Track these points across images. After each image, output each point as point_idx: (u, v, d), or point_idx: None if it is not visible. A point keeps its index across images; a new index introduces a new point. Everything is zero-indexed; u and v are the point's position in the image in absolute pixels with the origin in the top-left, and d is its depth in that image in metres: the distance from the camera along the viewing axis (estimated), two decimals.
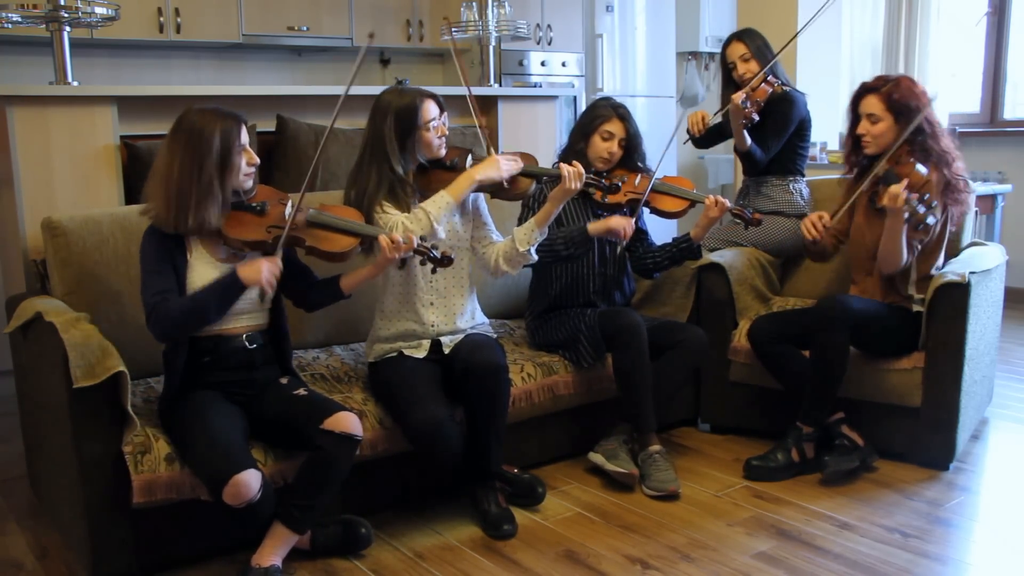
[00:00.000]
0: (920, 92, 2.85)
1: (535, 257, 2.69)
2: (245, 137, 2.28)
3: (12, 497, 2.89)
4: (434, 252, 2.37)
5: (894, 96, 2.81)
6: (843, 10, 5.99)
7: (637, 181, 2.96)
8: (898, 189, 2.64)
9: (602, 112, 2.98)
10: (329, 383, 2.69)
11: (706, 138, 3.60)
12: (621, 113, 2.98)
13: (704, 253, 3.32)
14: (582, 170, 2.61)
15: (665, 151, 2.88)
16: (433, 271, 2.44)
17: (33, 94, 2.91)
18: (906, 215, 2.65)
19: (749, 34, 3.46)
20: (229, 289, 2.21)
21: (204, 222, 2.22)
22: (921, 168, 2.77)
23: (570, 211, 3.01)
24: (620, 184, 2.83)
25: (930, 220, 2.64)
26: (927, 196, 2.65)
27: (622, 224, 2.80)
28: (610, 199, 2.89)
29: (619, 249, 2.93)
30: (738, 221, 2.92)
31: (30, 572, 2.40)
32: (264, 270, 2.19)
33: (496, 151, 2.74)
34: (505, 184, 2.63)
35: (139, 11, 4.56)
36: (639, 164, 3.02)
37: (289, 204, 2.38)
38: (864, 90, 2.90)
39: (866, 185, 2.84)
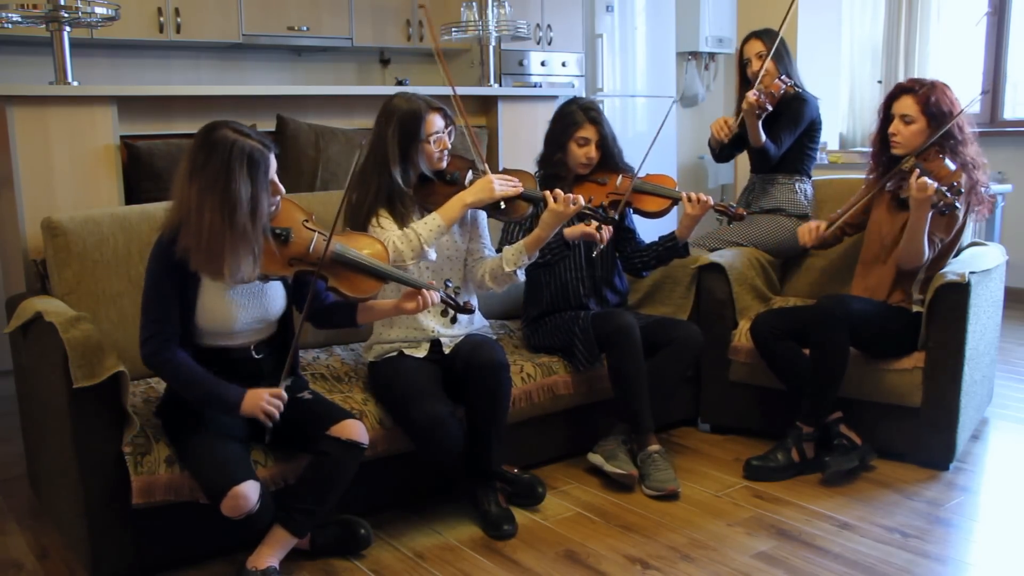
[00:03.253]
0: (955, 99, 2.86)
1: (522, 278, 2.69)
2: (274, 167, 2.16)
3: (12, 497, 2.88)
4: (456, 299, 2.35)
5: (931, 99, 2.81)
6: (843, 10, 6.00)
7: (619, 181, 2.95)
8: (925, 180, 2.63)
9: (574, 119, 2.95)
10: (329, 383, 2.69)
11: (727, 152, 3.60)
12: (592, 116, 2.95)
13: (704, 253, 3.32)
14: (580, 201, 2.59)
15: (648, 151, 2.85)
16: (453, 320, 2.40)
17: (33, 94, 2.91)
18: (934, 200, 2.63)
19: (768, 33, 3.47)
20: (221, 403, 2.15)
21: (237, 273, 2.11)
22: (950, 163, 2.77)
23: None
24: (617, 216, 2.81)
25: (958, 204, 2.64)
26: (955, 183, 2.66)
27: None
28: (594, 202, 2.86)
29: (595, 252, 2.88)
30: (721, 217, 2.92)
31: (30, 572, 2.40)
32: (263, 404, 2.13)
33: (483, 158, 2.72)
34: (502, 205, 2.62)
35: (139, 11, 4.55)
36: (619, 163, 3.00)
37: (316, 235, 2.25)
38: (900, 91, 2.90)
39: (890, 182, 2.84)
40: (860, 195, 3.03)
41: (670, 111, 3.03)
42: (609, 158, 2.99)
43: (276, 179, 2.19)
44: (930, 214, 2.71)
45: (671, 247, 3.00)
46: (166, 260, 2.14)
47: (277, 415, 2.16)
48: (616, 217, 2.81)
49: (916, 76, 5.81)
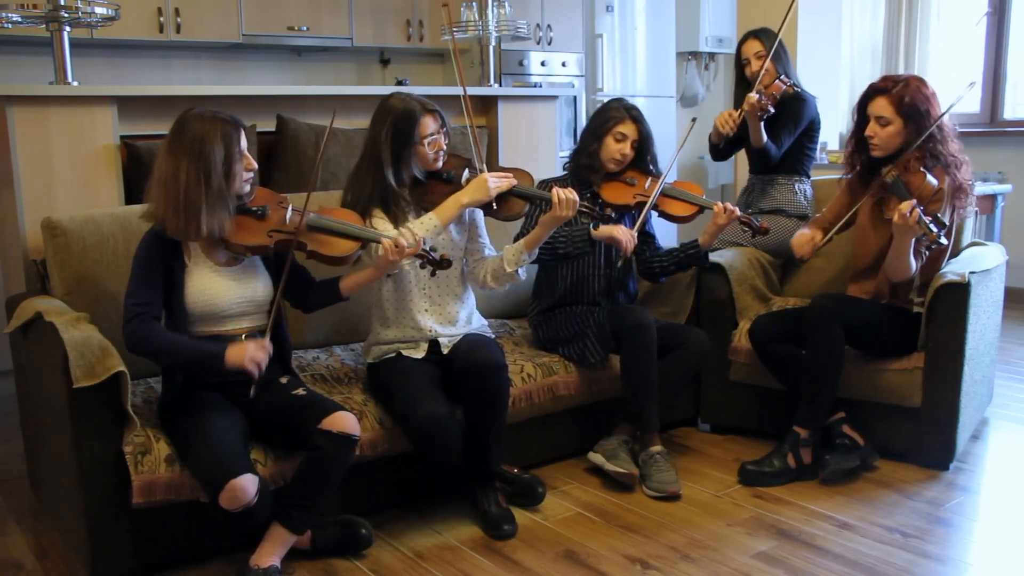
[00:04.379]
0: (930, 94, 2.80)
1: (523, 277, 2.70)
2: (244, 142, 2.28)
3: (12, 497, 2.89)
4: (433, 255, 2.38)
5: (905, 99, 2.76)
6: (843, 10, 6.00)
7: (647, 184, 2.96)
8: (908, 206, 2.58)
9: (615, 114, 2.97)
10: (329, 383, 2.69)
11: (725, 150, 3.60)
12: (634, 115, 2.97)
13: None
14: (575, 197, 2.59)
15: (675, 157, 2.88)
16: (432, 274, 2.45)
17: (33, 94, 2.91)
18: (917, 233, 2.60)
19: (766, 32, 3.47)
20: (209, 362, 2.20)
21: (215, 229, 2.22)
22: (932, 180, 2.73)
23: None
24: (613, 214, 2.81)
25: (943, 241, 2.60)
26: (939, 214, 2.62)
27: (625, 237, 2.79)
28: (618, 201, 2.88)
29: (619, 264, 2.90)
30: (746, 229, 2.93)
31: (30, 572, 2.40)
32: (248, 355, 2.18)
33: (483, 160, 2.72)
34: (494, 205, 2.63)
35: (139, 11, 4.56)
36: (650, 166, 3.02)
37: (290, 208, 2.38)
38: (873, 91, 2.84)
39: (873, 192, 2.83)
40: (842, 198, 3.01)
41: (691, 129, 3.02)
42: (642, 160, 3.00)
43: (249, 154, 2.29)
44: (914, 241, 2.67)
45: (693, 254, 3.00)
46: (153, 248, 2.24)
47: (263, 364, 2.21)
48: (613, 215, 2.80)
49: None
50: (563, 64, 5.93)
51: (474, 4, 4.21)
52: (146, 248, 2.25)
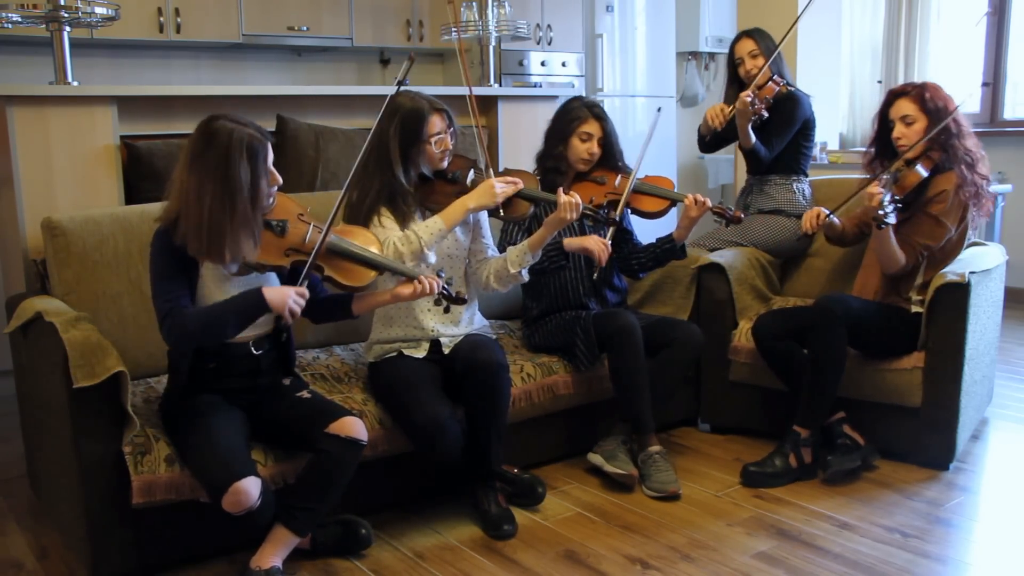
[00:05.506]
0: (947, 95, 2.88)
1: (526, 278, 2.69)
2: (271, 158, 2.20)
3: (12, 497, 2.89)
4: (448, 290, 2.35)
5: (926, 96, 2.84)
6: (843, 10, 6.00)
7: (617, 181, 2.95)
8: (874, 189, 2.65)
9: (578, 114, 2.96)
10: (329, 383, 2.69)
11: (712, 142, 3.60)
12: (597, 112, 2.97)
13: (704, 253, 3.32)
14: (579, 200, 2.59)
15: (643, 151, 2.85)
16: (446, 310, 2.40)
17: (33, 94, 2.91)
18: (873, 212, 2.66)
19: (759, 32, 3.47)
20: (252, 309, 2.14)
21: (239, 256, 2.16)
22: (921, 169, 2.78)
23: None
24: (617, 218, 2.81)
25: (890, 219, 2.65)
26: (898, 196, 2.69)
27: (598, 246, 2.78)
28: (594, 202, 2.87)
29: (595, 275, 2.89)
30: (719, 219, 2.92)
31: (30, 572, 2.40)
32: (290, 299, 2.14)
33: (489, 162, 2.72)
34: (501, 212, 2.62)
35: (139, 11, 4.56)
36: (619, 163, 3.01)
37: (311, 227, 2.28)
38: (893, 96, 2.92)
39: (871, 180, 2.86)
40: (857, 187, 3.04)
41: (656, 121, 3.00)
42: (610, 157, 2.99)
43: (274, 169, 2.22)
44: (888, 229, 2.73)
45: (669, 248, 3.00)
46: (167, 246, 2.16)
47: (298, 312, 2.17)
48: (617, 219, 2.81)
49: (915, 76, 5.85)
50: (563, 64, 5.93)
51: (474, 4, 4.22)
52: (160, 248, 2.18)
